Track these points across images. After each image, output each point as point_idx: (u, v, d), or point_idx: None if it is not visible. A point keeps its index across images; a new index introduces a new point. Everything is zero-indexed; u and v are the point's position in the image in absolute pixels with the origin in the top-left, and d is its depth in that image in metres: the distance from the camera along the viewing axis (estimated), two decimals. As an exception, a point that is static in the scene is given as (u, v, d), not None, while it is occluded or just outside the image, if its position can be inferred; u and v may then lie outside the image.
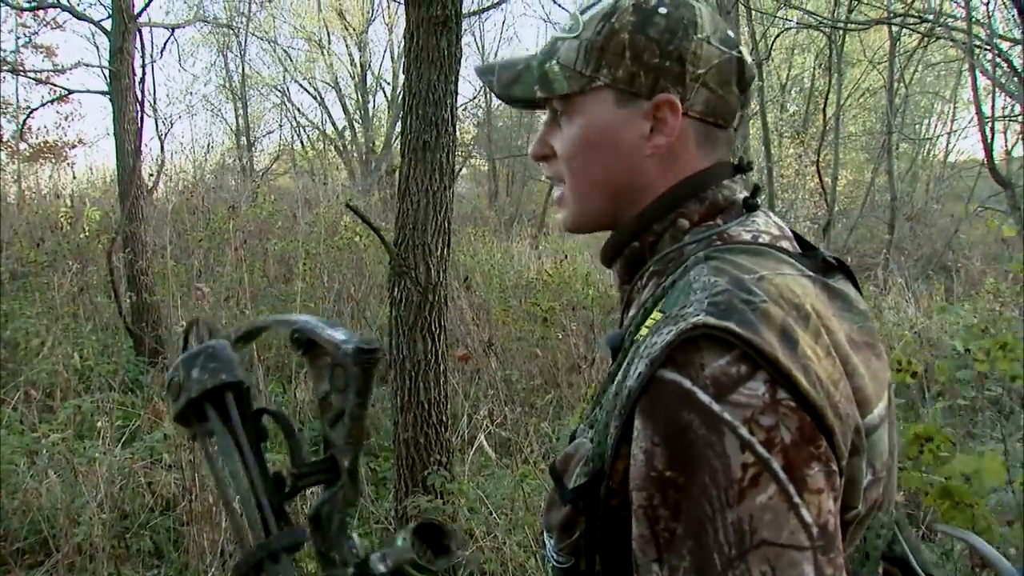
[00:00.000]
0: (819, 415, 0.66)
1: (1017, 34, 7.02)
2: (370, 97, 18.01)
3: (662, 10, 0.82)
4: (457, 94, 2.92)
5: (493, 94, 0.94)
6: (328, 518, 0.70)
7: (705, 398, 0.64)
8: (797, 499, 0.63)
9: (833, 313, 0.77)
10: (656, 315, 0.75)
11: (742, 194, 0.87)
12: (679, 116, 0.82)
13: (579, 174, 0.88)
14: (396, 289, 2.94)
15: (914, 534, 0.93)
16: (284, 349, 5.07)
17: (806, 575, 0.62)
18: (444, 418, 3.02)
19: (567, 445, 0.81)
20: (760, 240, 0.82)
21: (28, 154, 14.27)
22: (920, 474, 2.12)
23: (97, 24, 6.16)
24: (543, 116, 0.93)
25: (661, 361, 0.67)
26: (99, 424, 3.66)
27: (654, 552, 0.66)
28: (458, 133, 3.23)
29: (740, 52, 0.84)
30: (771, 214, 0.88)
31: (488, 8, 12.37)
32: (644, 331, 0.75)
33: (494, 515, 2.98)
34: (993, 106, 7.62)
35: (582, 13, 0.86)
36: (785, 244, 0.83)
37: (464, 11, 2.87)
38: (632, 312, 0.86)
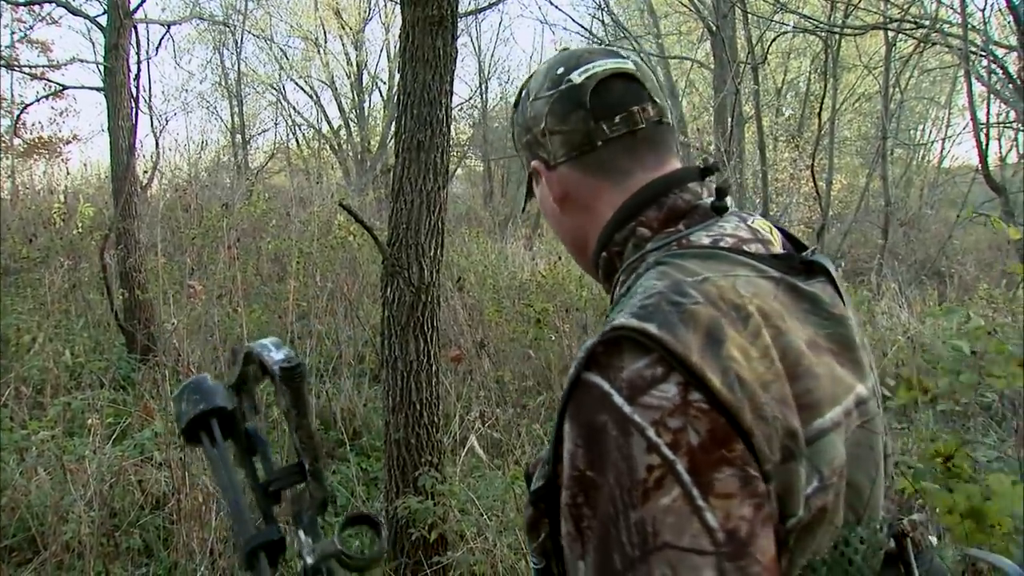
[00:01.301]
0: (735, 417, 0.65)
1: (1012, 41, 7.05)
2: (366, 96, 18.03)
3: (523, 94, 0.97)
4: (452, 94, 2.91)
5: None
6: (298, 515, 0.77)
7: (619, 400, 0.66)
8: (701, 502, 0.62)
9: (796, 315, 0.77)
10: None
11: (710, 198, 0.88)
12: (549, 172, 0.93)
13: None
14: (389, 289, 2.93)
15: (938, 561, 0.89)
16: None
17: None
18: (436, 419, 3.02)
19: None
20: (721, 244, 0.82)
21: (22, 150, 14.23)
22: (945, 492, 2.10)
23: (92, 20, 6.15)
24: None
25: (585, 363, 0.69)
26: (89, 421, 3.64)
27: (579, 549, 0.67)
28: (454, 133, 3.23)
29: (569, 80, 0.89)
30: (749, 216, 0.89)
31: (484, 8, 12.38)
32: None
33: (485, 516, 2.97)
34: (988, 112, 7.66)
35: None
36: (754, 247, 0.83)
37: (460, 11, 2.86)
38: None
